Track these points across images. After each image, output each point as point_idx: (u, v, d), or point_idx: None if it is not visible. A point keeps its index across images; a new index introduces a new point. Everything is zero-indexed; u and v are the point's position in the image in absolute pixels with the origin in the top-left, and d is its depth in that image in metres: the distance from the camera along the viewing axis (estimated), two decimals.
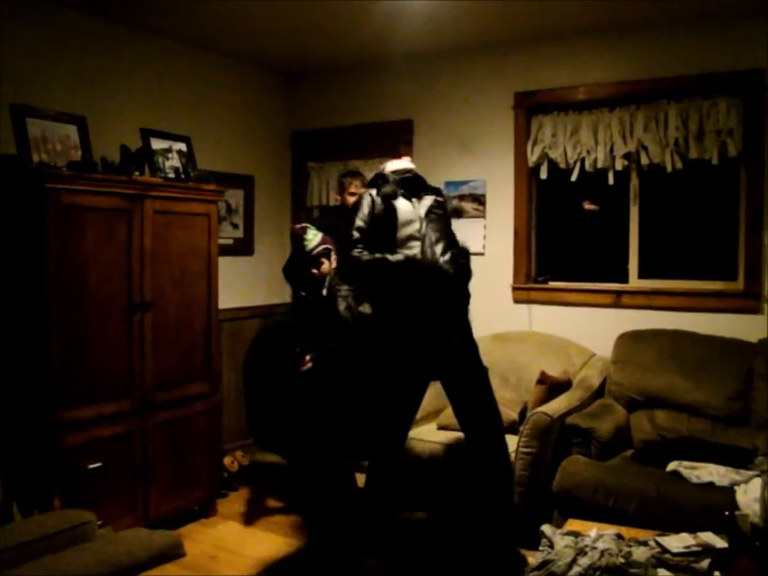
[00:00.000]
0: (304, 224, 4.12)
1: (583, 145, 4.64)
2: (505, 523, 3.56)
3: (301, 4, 4.15)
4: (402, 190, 3.56)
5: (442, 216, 3.57)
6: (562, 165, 4.73)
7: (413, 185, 3.61)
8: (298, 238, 3.92)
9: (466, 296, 3.52)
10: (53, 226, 3.41)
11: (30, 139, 3.63)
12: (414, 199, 3.56)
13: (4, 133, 3.64)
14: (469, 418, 3.62)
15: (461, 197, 5.09)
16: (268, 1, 4.12)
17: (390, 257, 3.41)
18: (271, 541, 3.99)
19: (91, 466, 3.59)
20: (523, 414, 4.19)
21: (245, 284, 5.41)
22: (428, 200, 3.57)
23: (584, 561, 2.57)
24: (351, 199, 4.31)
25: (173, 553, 2.81)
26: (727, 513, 2.64)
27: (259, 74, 5.62)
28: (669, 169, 4.39)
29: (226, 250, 5.03)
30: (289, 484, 4.58)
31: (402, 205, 3.53)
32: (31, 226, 3.43)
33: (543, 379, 4.21)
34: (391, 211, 3.49)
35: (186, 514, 4.19)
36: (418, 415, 3.93)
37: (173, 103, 4.87)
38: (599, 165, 4.59)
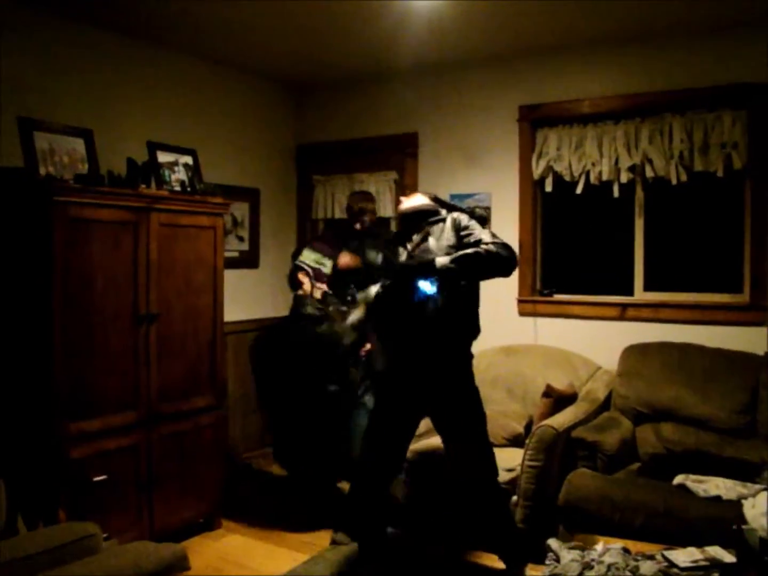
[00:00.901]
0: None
1: (588, 157, 4.65)
2: (511, 549, 3.53)
3: (306, 18, 4.17)
4: (396, 242, 3.54)
5: (445, 235, 3.39)
6: (567, 178, 4.74)
7: (407, 228, 3.55)
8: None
9: (469, 328, 3.43)
10: (60, 239, 3.42)
11: (37, 152, 3.65)
12: (415, 236, 3.47)
13: (12, 145, 3.66)
14: (463, 466, 3.50)
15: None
16: (274, 15, 4.14)
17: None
18: (276, 554, 3.96)
19: (97, 478, 3.58)
20: (528, 427, 4.17)
21: (251, 297, 5.42)
22: (427, 231, 3.44)
23: (591, 575, 2.56)
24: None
25: (179, 566, 2.80)
26: (735, 527, 2.62)
27: (265, 87, 5.65)
28: (674, 181, 4.40)
29: (231, 263, 5.04)
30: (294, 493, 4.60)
31: (401, 254, 3.51)
32: (38, 238, 3.44)
33: (549, 392, 4.20)
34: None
35: (191, 527, 4.18)
36: (423, 429, 3.91)
37: (179, 117, 4.90)
38: (604, 177, 4.60)
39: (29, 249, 3.50)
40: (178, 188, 4.19)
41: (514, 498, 3.74)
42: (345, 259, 4.42)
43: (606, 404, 4.26)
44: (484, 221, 3.46)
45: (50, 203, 3.40)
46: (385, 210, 5.48)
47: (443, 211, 3.52)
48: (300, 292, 4.44)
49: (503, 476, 3.75)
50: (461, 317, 3.39)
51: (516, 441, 4.11)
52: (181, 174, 4.28)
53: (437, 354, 3.37)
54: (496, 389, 4.52)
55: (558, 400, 4.15)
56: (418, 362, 3.38)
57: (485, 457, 3.47)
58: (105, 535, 2.95)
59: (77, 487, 3.50)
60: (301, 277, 4.46)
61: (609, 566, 2.58)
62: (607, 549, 2.73)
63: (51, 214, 3.40)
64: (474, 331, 3.46)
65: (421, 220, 3.50)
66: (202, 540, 4.16)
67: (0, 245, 3.58)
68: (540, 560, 2.91)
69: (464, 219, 3.40)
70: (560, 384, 4.29)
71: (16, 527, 2.99)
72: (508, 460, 3.85)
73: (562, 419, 3.91)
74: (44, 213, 3.41)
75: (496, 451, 3.95)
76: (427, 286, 3.21)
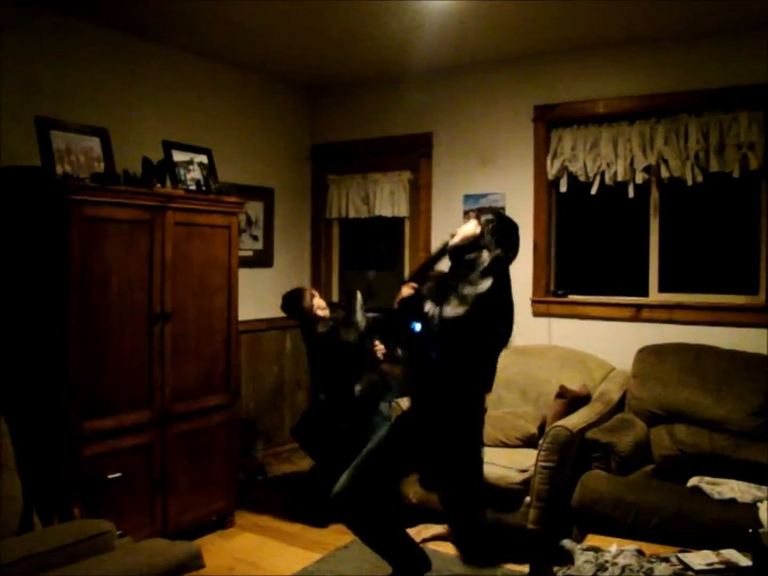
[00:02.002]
0: None
1: (603, 158, 4.63)
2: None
3: (321, 19, 4.18)
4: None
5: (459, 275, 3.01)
6: (582, 178, 4.73)
7: (452, 263, 3.13)
8: None
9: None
10: (76, 238, 3.44)
11: (54, 151, 3.67)
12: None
13: (29, 145, 3.68)
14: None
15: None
16: (289, 17, 4.15)
17: None
18: (289, 553, 3.97)
19: (111, 476, 3.60)
20: (542, 428, 4.16)
21: (264, 296, 5.43)
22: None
23: None
24: None
25: (193, 564, 2.81)
26: (750, 530, 2.60)
27: (279, 88, 5.67)
28: (689, 182, 4.38)
29: (245, 262, 5.06)
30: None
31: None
32: (55, 237, 3.46)
33: (562, 392, 4.19)
34: None
35: (204, 525, 4.19)
36: None
37: (195, 116, 4.92)
38: (619, 178, 4.58)
39: (45, 248, 3.52)
40: (193, 187, 4.20)
41: (527, 499, 3.74)
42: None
43: (620, 405, 4.25)
44: (499, 264, 2.99)
45: (67, 202, 3.41)
46: (399, 210, 5.49)
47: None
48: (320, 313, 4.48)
49: (516, 477, 3.76)
50: (466, 369, 3.01)
51: (529, 442, 4.10)
52: (196, 173, 4.29)
53: (439, 406, 3.05)
54: (509, 390, 4.51)
55: (572, 401, 4.14)
56: (422, 411, 3.13)
57: (470, 507, 3.32)
58: (119, 533, 2.96)
59: (91, 485, 3.52)
60: (318, 303, 4.50)
61: (623, 568, 2.57)
62: (621, 551, 2.72)
63: (67, 213, 3.41)
64: (482, 386, 3.12)
65: (461, 256, 3.05)
66: (215, 538, 4.17)
67: (17, 244, 3.61)
68: (554, 562, 2.89)
69: (484, 263, 2.94)
70: (574, 385, 4.28)
71: (31, 523, 3.01)
72: (522, 461, 3.84)
73: (575, 420, 3.89)
74: (61, 212, 3.42)
75: (510, 451, 3.98)
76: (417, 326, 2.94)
